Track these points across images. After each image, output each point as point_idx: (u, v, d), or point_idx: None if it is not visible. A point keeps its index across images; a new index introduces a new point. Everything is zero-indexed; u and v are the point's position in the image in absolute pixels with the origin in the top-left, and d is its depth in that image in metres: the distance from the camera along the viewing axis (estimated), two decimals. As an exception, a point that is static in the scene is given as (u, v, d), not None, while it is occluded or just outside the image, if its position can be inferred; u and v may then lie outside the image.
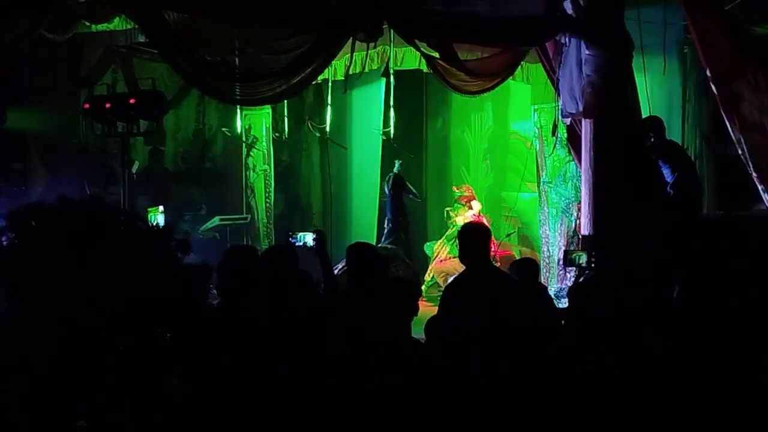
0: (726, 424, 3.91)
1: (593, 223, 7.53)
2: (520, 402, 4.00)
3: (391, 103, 10.00)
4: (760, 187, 7.59)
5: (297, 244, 5.53)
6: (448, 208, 11.26)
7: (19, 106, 8.46)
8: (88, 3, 7.04)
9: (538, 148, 9.67)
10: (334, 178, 11.17)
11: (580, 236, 7.98)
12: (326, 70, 8.56)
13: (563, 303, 7.10)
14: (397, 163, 11.28)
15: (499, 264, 8.76)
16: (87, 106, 7.88)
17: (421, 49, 7.58)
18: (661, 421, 3.92)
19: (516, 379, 4.11)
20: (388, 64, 9.14)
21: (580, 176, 8.00)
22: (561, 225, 9.33)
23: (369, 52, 8.10)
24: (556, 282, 9.11)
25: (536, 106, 9.64)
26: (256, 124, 10.32)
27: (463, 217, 10.63)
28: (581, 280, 6.84)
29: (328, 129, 10.65)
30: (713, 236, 6.77)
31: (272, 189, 10.58)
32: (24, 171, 8.69)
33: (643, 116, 7.84)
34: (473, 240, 5.13)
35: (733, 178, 8.49)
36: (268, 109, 10.27)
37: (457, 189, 11.22)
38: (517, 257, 9.57)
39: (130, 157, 8.30)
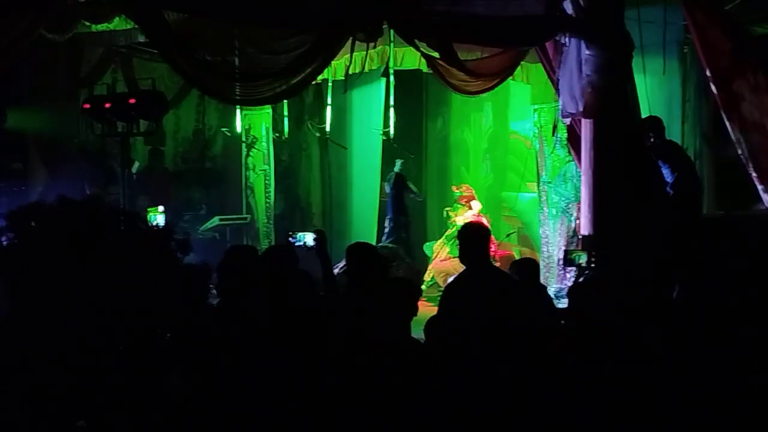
0: (726, 424, 3.91)
1: (593, 223, 7.54)
2: (520, 402, 4.00)
3: (391, 103, 9.98)
4: (760, 187, 7.60)
5: (297, 244, 5.51)
6: (447, 208, 11.24)
7: (19, 106, 8.48)
8: (88, 3, 7.05)
9: (538, 148, 9.65)
10: (334, 178, 11.20)
11: (580, 236, 7.97)
12: (326, 70, 8.58)
13: (563, 303, 7.08)
14: (398, 163, 11.25)
15: (499, 264, 8.74)
16: (87, 106, 7.90)
17: (421, 49, 7.58)
18: (661, 421, 3.93)
19: (516, 380, 4.11)
20: (388, 64, 9.15)
21: (580, 176, 8.00)
22: (561, 225, 9.32)
23: (369, 52, 8.11)
24: (556, 282, 9.10)
25: (536, 106, 9.64)
26: (255, 124, 10.29)
27: (462, 217, 10.61)
28: (581, 280, 6.85)
29: (328, 129, 10.66)
30: (713, 236, 6.76)
31: (272, 189, 10.54)
32: (24, 171, 8.70)
33: (643, 116, 7.83)
34: (473, 240, 5.14)
35: (733, 178, 8.47)
36: (268, 109, 10.24)
37: (457, 189, 11.19)
38: (517, 257, 9.54)
39: (130, 157, 8.33)
